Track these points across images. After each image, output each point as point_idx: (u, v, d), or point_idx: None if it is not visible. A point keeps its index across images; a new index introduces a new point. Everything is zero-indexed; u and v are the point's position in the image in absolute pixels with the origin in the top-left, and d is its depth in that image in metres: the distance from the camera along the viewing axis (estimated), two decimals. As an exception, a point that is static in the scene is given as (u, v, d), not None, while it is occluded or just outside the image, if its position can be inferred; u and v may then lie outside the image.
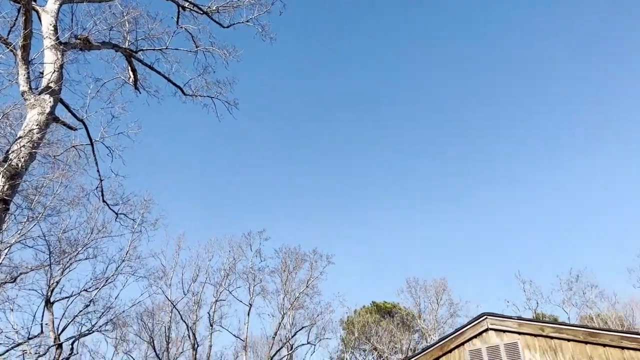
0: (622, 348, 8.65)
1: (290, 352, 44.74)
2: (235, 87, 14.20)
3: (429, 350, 10.08)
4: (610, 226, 65.85)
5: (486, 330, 9.87)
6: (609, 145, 70.93)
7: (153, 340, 36.21)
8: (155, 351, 35.79)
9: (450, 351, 9.93)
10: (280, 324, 43.35)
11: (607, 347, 8.76)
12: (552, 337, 9.25)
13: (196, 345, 42.69)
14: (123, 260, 26.36)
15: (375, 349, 46.31)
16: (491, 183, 75.74)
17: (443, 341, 10.07)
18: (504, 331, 9.72)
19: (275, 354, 41.57)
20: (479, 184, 76.10)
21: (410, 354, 40.89)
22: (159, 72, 12.80)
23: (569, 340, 9.10)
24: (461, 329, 10.06)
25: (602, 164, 70.90)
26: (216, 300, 43.88)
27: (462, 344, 9.91)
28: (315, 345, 47.58)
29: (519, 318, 9.72)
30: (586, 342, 8.94)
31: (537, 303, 37.86)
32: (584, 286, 38.16)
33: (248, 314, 42.08)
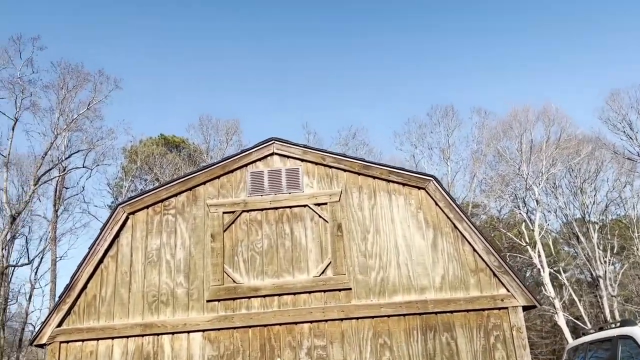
0: (389, 181, 9.37)
1: (62, 174, 41.45)
2: None
3: (209, 168, 9.65)
4: (388, 92, 73.25)
5: (271, 154, 9.76)
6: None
7: None
8: None
9: (232, 171, 9.64)
10: (52, 144, 39.26)
11: (376, 179, 9.41)
12: (331, 167, 9.56)
13: (-59, 156, 36.69)
14: None
15: (158, 179, 45.65)
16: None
17: (226, 161, 9.70)
18: (288, 157, 9.73)
19: (45, 174, 38.00)
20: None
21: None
22: None
23: (345, 170, 9.51)
24: (246, 150, 9.78)
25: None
26: (-29, 109, 37.41)
27: (246, 165, 9.68)
28: (92, 170, 44.84)
29: (304, 146, 9.78)
30: (359, 174, 9.46)
31: (318, 153, 41.02)
32: (357, 143, 42.34)
33: (13, 129, 36.97)
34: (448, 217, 8.99)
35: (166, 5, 75.88)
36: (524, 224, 34.52)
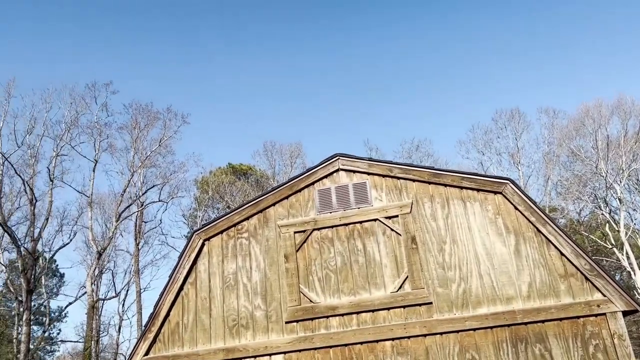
0: (461, 188, 9.02)
1: (140, 209, 43.40)
2: None
3: (277, 189, 9.70)
4: (451, 101, 71.78)
5: (337, 170, 9.68)
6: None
7: (-19, 194, 32.50)
8: (-16, 206, 32.29)
9: (299, 190, 9.65)
10: (129, 181, 41.33)
11: (448, 187, 9.09)
12: (399, 178, 9.34)
13: (34, 201, 39.49)
14: None
15: (229, 207, 46.80)
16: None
17: (293, 181, 9.72)
18: (354, 172, 9.62)
19: (124, 210, 39.98)
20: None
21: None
22: None
23: (414, 180, 9.26)
24: (312, 169, 9.76)
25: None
26: (57, 155, 40.22)
27: (312, 183, 9.66)
28: (167, 203, 46.66)
29: (370, 159, 9.64)
30: (429, 182, 9.18)
31: (382, 169, 40.75)
32: (421, 155, 41.60)
33: (93, 171, 39.30)
34: (529, 221, 8.50)
35: (226, 43, 78.82)
36: (607, 225, 32.37)
